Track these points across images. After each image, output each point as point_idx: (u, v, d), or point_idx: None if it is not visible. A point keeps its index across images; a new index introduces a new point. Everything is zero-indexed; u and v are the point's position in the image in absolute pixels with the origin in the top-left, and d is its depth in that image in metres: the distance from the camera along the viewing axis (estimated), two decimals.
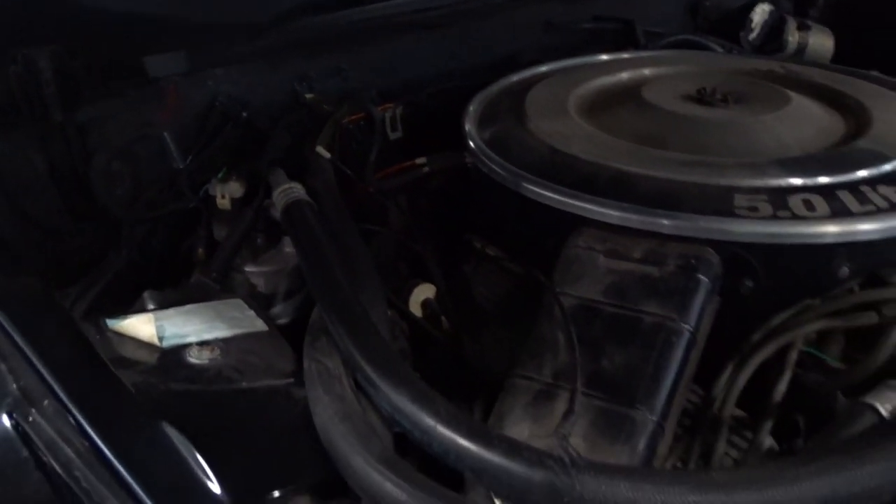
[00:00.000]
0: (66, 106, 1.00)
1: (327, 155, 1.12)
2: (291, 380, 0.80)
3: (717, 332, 0.82)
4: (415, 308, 1.08)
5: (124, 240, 1.09)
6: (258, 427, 0.75)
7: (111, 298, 1.03)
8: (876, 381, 0.76)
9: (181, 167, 1.13)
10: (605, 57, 1.30)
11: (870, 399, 0.69)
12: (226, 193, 1.11)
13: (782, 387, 0.81)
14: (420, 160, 1.16)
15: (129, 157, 1.08)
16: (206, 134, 1.17)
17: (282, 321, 1.05)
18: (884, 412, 0.67)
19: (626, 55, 1.32)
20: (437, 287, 1.07)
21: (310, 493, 0.74)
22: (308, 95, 1.27)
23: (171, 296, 0.96)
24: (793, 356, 0.82)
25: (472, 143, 1.07)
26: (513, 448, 0.62)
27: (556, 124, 1.06)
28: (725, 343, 0.83)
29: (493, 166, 1.00)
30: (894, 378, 0.74)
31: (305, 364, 0.78)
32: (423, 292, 1.09)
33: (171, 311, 0.91)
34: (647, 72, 1.22)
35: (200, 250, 1.12)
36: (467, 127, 1.11)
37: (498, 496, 0.64)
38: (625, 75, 1.21)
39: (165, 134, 1.11)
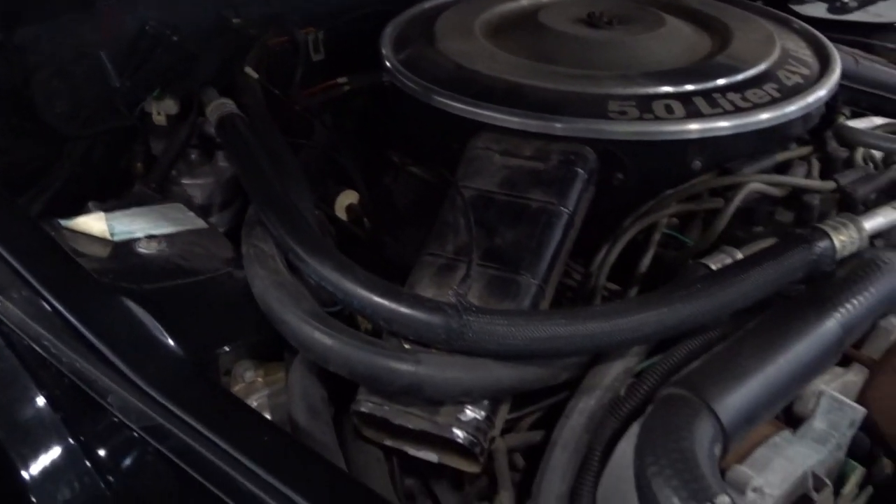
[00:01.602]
0: (5, 26, 1.07)
1: (255, 75, 1.21)
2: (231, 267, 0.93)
3: (594, 219, 0.98)
4: (340, 212, 1.21)
5: (66, 155, 1.17)
6: (207, 303, 0.88)
7: (56, 211, 1.12)
8: None
9: (118, 86, 1.21)
10: None
11: (705, 260, 0.87)
12: (161, 111, 1.20)
13: (646, 261, 0.98)
14: (341, 79, 1.27)
15: (68, 75, 1.15)
16: (139, 55, 1.24)
17: (220, 230, 1.16)
18: (713, 267, 0.85)
19: None
20: (360, 193, 1.20)
21: (250, 356, 0.89)
22: (235, 20, 1.35)
23: (115, 205, 1.06)
24: (655, 236, 0.99)
25: (388, 63, 1.18)
26: (417, 300, 0.77)
27: (463, 45, 1.18)
28: (601, 228, 1.00)
29: (407, 82, 1.12)
30: (730, 246, 0.91)
31: (244, 249, 0.91)
32: (348, 198, 1.22)
33: (118, 213, 1.01)
34: None
35: (139, 164, 1.21)
36: (384, 49, 1.22)
37: (407, 341, 0.79)
38: (525, 2, 1.34)
39: (102, 54, 1.18)
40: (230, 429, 0.69)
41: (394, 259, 1.13)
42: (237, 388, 0.87)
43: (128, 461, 0.75)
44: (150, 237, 0.95)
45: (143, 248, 0.93)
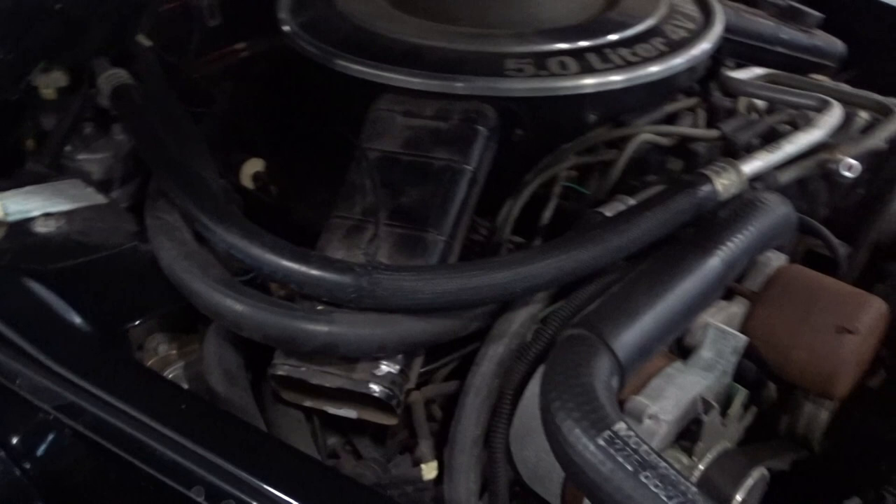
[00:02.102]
0: None
1: (148, 43, 1.18)
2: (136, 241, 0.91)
3: (497, 175, 1.01)
4: (246, 180, 1.20)
5: None
6: (113, 278, 0.86)
7: None
8: None
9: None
10: None
11: (600, 209, 0.91)
12: (49, 84, 1.15)
13: (548, 213, 1.02)
14: (240, 45, 1.25)
15: None
16: (19, 26, 1.18)
17: (121, 206, 1.13)
18: (608, 214, 0.90)
19: None
20: (266, 160, 1.19)
21: (163, 330, 0.88)
22: None
23: (7, 185, 1.02)
24: (556, 189, 1.03)
25: (286, 27, 1.17)
26: (326, 262, 0.79)
27: (362, 6, 1.18)
28: (504, 183, 1.03)
29: (306, 46, 1.11)
30: (625, 195, 0.97)
31: (148, 221, 0.90)
32: (253, 166, 1.21)
33: (11, 192, 0.98)
34: None
35: (29, 141, 1.16)
36: (281, 12, 1.20)
37: (319, 302, 0.80)
38: None
39: None
40: (146, 400, 0.70)
41: (303, 223, 1.14)
42: (151, 362, 0.87)
43: (43, 446, 0.75)
44: (48, 215, 0.93)
45: (40, 228, 0.90)
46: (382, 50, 1.06)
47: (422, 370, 0.89)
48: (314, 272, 0.78)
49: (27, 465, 0.73)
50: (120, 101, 1.05)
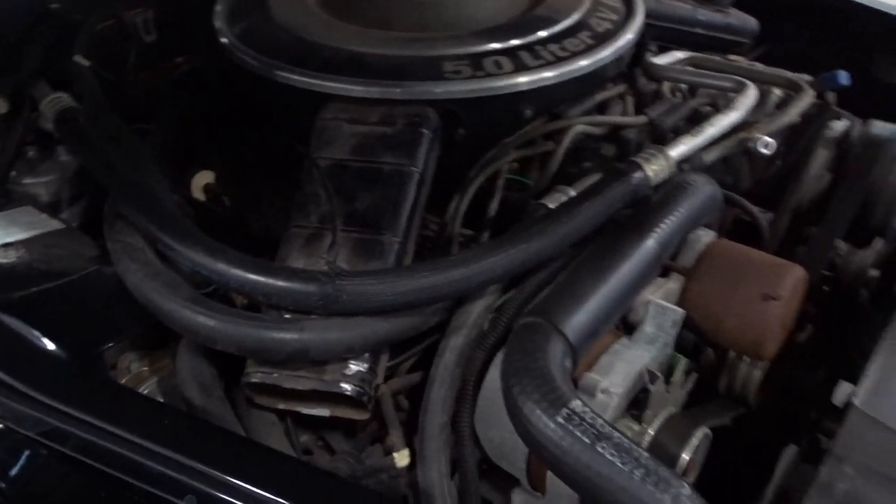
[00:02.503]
0: None
1: (86, 63, 1.19)
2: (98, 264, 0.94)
3: (443, 173, 1.06)
4: (197, 193, 1.23)
5: None
6: (81, 303, 0.89)
7: None
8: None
9: None
10: None
11: (543, 200, 0.97)
12: None
13: (494, 206, 1.08)
14: (179, 59, 1.27)
15: None
16: None
17: (72, 225, 1.14)
18: (551, 205, 0.96)
19: None
20: (216, 172, 1.22)
21: (135, 348, 0.91)
22: (53, 5, 1.30)
23: None
24: (499, 182, 1.09)
25: (224, 39, 1.19)
26: (291, 273, 0.83)
27: (299, 16, 1.21)
28: (451, 180, 1.08)
29: (247, 59, 1.14)
30: (564, 185, 1.03)
31: (109, 245, 0.92)
32: (203, 178, 1.23)
33: None
34: None
35: None
36: (218, 24, 1.22)
37: (287, 311, 0.84)
38: None
39: None
40: (129, 419, 0.73)
41: (259, 232, 1.17)
42: (125, 380, 0.90)
43: (19, 466, 0.77)
44: (6, 245, 0.94)
45: (0, 259, 0.92)
46: (324, 59, 1.09)
47: (388, 364, 0.94)
48: (280, 283, 0.82)
49: (2, 485, 0.76)
50: (66, 125, 1.06)
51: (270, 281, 0.82)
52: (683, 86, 1.31)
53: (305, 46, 1.13)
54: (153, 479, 0.69)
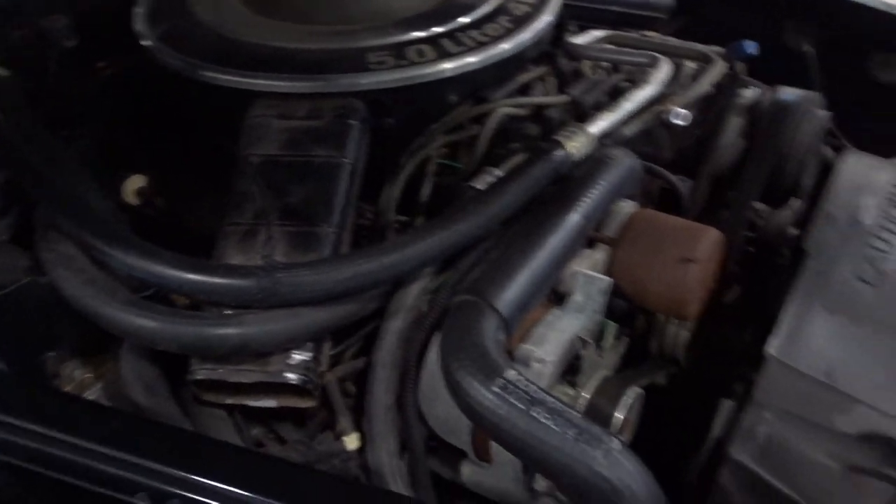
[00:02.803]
0: None
1: (5, 72, 1.17)
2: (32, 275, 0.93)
3: (375, 162, 1.08)
4: (130, 197, 1.22)
5: None
6: (18, 314, 0.89)
7: None
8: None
9: None
10: None
11: (472, 182, 1.01)
12: None
13: (426, 191, 1.11)
14: (101, 64, 1.25)
15: None
16: None
17: (2, 239, 1.13)
18: (479, 187, 0.99)
19: None
20: (148, 175, 1.21)
21: (76, 356, 0.92)
22: None
23: None
24: (430, 168, 1.12)
25: (146, 42, 1.18)
26: (229, 270, 0.85)
27: (220, 14, 1.21)
28: (383, 169, 1.11)
29: (171, 60, 1.14)
30: (493, 166, 1.06)
31: (42, 255, 0.92)
32: (135, 182, 1.23)
33: None
34: None
35: None
36: (138, 26, 1.21)
37: (228, 308, 0.86)
38: None
39: None
40: (76, 424, 0.74)
41: (195, 234, 1.18)
42: (69, 388, 0.90)
43: None
44: None
45: None
46: (248, 57, 1.10)
47: (332, 352, 0.97)
48: (218, 281, 0.83)
49: None
50: None
51: (208, 279, 0.83)
52: (604, 63, 1.36)
53: (229, 44, 1.13)
54: (105, 482, 0.70)
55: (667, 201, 1.28)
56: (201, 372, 0.87)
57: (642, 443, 0.98)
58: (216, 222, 1.00)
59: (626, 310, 1.05)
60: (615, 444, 0.70)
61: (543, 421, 0.71)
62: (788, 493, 0.81)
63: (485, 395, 0.73)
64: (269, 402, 0.92)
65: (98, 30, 1.30)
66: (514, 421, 0.72)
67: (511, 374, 0.74)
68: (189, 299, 0.92)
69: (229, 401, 0.91)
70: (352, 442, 0.94)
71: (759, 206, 1.33)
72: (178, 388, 0.92)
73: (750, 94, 1.27)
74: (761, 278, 1.31)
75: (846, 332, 0.88)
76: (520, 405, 0.72)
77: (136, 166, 1.23)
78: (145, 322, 0.82)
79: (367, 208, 1.12)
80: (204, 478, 0.70)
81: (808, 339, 0.87)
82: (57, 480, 0.71)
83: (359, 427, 0.95)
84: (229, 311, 0.86)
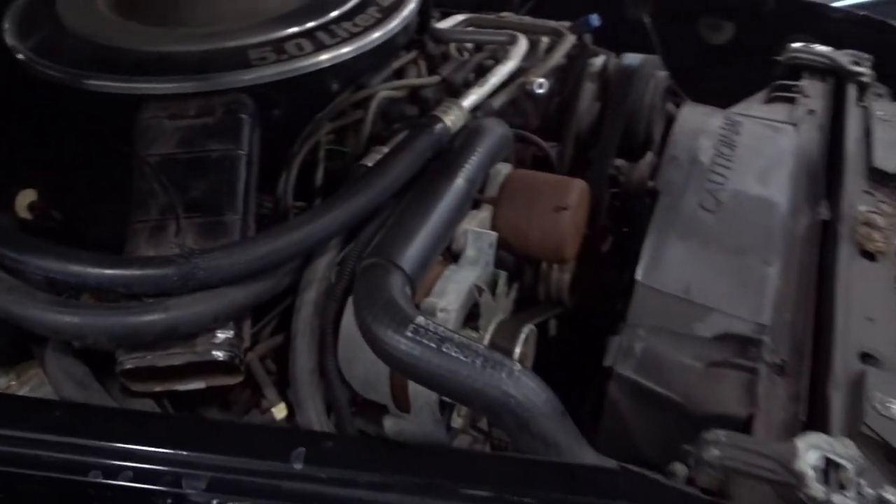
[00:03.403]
0: None
1: None
2: None
3: (268, 152, 1.15)
4: (23, 212, 1.23)
5: None
6: None
7: None
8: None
9: None
10: None
11: (363, 161, 1.10)
12: None
13: (319, 176, 1.19)
14: None
15: None
16: None
17: None
18: (370, 164, 1.08)
19: None
20: (39, 188, 1.22)
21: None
22: None
23: None
24: (321, 154, 1.20)
25: (20, 55, 1.19)
26: (146, 261, 0.90)
27: (94, 22, 1.23)
28: (276, 158, 1.17)
29: (51, 71, 1.15)
30: (379, 145, 1.16)
31: None
32: (27, 197, 1.24)
33: None
34: None
35: None
36: (9, 40, 1.22)
37: (148, 297, 0.91)
38: None
39: None
40: (18, 419, 0.78)
41: (96, 242, 1.20)
42: None
43: None
44: None
45: None
46: (133, 62, 1.13)
47: (252, 332, 1.04)
48: (138, 272, 0.88)
49: None
50: None
51: (128, 272, 0.88)
52: (468, 44, 1.48)
53: (109, 51, 1.16)
54: (56, 467, 0.75)
55: (539, 165, 1.42)
56: (130, 361, 0.91)
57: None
58: (119, 226, 1.04)
59: (514, 263, 1.17)
60: (517, 366, 0.82)
61: (454, 355, 0.81)
62: (665, 393, 0.95)
63: (400, 340, 0.83)
64: (199, 384, 0.97)
65: None
66: (428, 359, 0.82)
67: (420, 319, 0.84)
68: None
69: (158, 388, 0.96)
70: (280, 412, 1.01)
71: (620, 162, 1.49)
72: (105, 382, 0.96)
73: (599, 61, 1.43)
74: (629, 225, 1.47)
75: (696, 254, 1.04)
76: (432, 344, 0.82)
77: (27, 181, 1.24)
78: (72, 318, 0.86)
79: (265, 198, 1.19)
80: (151, 447, 0.76)
81: (667, 264, 1.03)
82: (10, 474, 0.75)
83: (284, 398, 1.02)
84: (151, 300, 0.91)
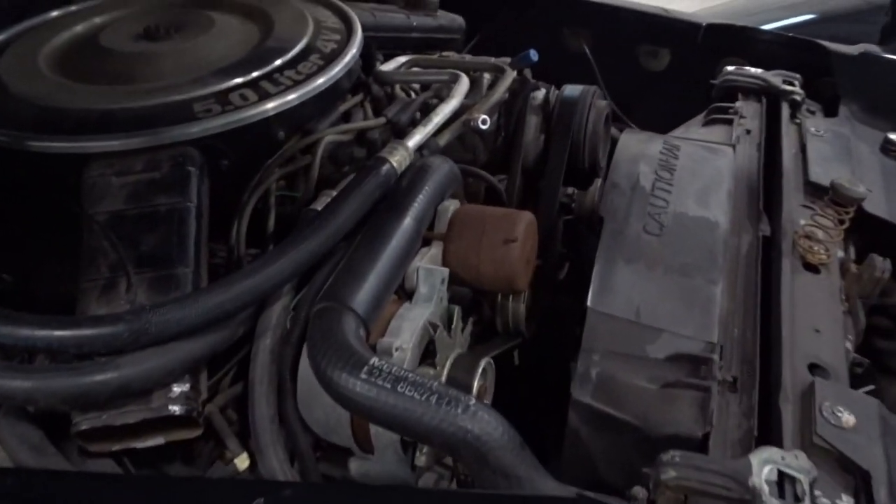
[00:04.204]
0: None
1: None
2: None
3: (218, 202, 1.16)
4: None
5: None
6: None
7: None
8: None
9: None
10: (55, 13, 1.47)
11: (313, 205, 1.11)
12: None
13: (271, 222, 1.19)
14: None
15: None
16: None
17: None
18: (319, 208, 1.10)
19: (73, 7, 1.50)
20: None
21: None
22: None
23: None
24: (271, 201, 1.20)
25: None
26: (96, 320, 0.90)
27: (36, 84, 1.24)
28: (227, 208, 1.18)
29: None
30: (329, 189, 1.17)
31: None
32: None
33: None
34: (99, 20, 1.43)
35: None
36: None
37: (101, 356, 0.91)
38: (80, 27, 1.41)
39: None
40: None
41: (48, 302, 1.19)
42: None
43: None
44: None
45: None
46: (76, 122, 1.13)
47: (209, 383, 1.03)
48: (88, 332, 0.88)
49: None
50: None
51: (78, 332, 0.87)
52: (414, 84, 1.51)
53: (52, 112, 1.16)
54: None
55: (490, 199, 1.44)
56: (85, 423, 0.90)
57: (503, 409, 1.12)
58: (70, 284, 1.04)
59: (470, 296, 1.19)
60: (472, 401, 0.83)
61: (409, 394, 0.82)
62: (622, 416, 0.96)
63: (355, 383, 0.83)
64: (157, 440, 0.96)
65: None
66: (384, 399, 0.82)
67: (374, 360, 0.85)
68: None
69: (117, 447, 0.95)
70: (242, 462, 1.00)
71: (571, 190, 1.52)
72: (62, 445, 0.95)
73: (541, 94, 1.47)
74: (583, 251, 1.50)
75: (643, 277, 1.06)
76: (387, 385, 0.83)
77: None
78: (21, 382, 0.85)
79: (218, 247, 1.19)
80: None
81: (616, 288, 1.05)
82: None
83: (247, 448, 1.01)
84: (102, 359, 0.90)
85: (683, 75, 1.86)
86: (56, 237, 1.15)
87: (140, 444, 0.96)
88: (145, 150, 1.12)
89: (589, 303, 1.04)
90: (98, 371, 0.88)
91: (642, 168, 1.21)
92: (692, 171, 1.22)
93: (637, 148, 1.26)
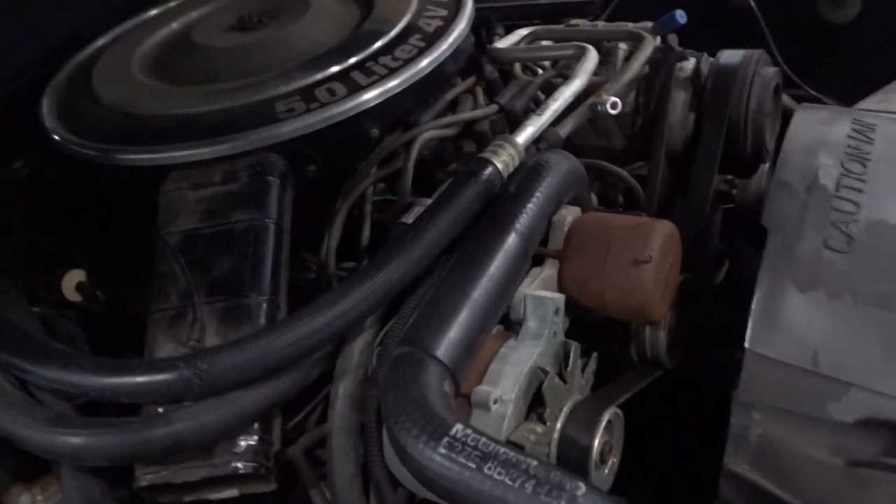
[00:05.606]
0: None
1: None
2: None
3: (308, 211, 1.02)
4: (70, 294, 1.17)
5: None
6: None
7: None
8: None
9: None
10: (153, 11, 1.39)
11: (403, 217, 0.95)
12: None
13: (366, 233, 1.04)
14: (17, 164, 1.21)
15: None
16: None
17: None
18: (409, 221, 0.93)
19: (172, 3, 1.42)
20: (86, 269, 1.16)
21: (18, 480, 0.86)
22: None
23: None
24: (367, 208, 1.05)
25: (54, 135, 1.13)
26: (147, 366, 0.79)
27: (125, 90, 1.16)
28: (319, 216, 1.05)
29: (82, 149, 1.07)
30: (423, 197, 1.00)
31: None
32: (74, 278, 1.17)
33: None
34: (194, 14, 1.34)
35: None
36: (46, 119, 1.16)
37: (158, 405, 0.80)
38: (175, 24, 1.32)
39: None
40: None
41: (138, 322, 1.12)
42: None
43: None
44: None
45: None
46: (153, 130, 1.04)
47: (291, 424, 0.91)
48: (138, 380, 0.77)
49: None
50: None
51: (127, 380, 0.77)
52: (543, 62, 1.30)
53: (134, 121, 1.08)
54: None
55: (628, 199, 1.22)
56: (145, 478, 0.81)
57: (638, 456, 0.91)
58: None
59: (606, 319, 0.98)
60: (580, 490, 0.63)
61: (497, 477, 0.64)
62: (789, 499, 0.73)
63: (431, 457, 0.67)
64: (231, 492, 0.86)
65: (6, 129, 1.26)
66: (466, 483, 0.65)
67: (457, 429, 0.68)
68: None
69: (189, 498, 0.86)
70: None
71: (729, 178, 1.27)
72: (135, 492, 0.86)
73: (690, 65, 1.21)
74: (744, 257, 1.25)
75: (824, 309, 0.80)
76: (470, 464, 0.65)
77: (73, 261, 1.18)
78: (66, 439, 0.76)
79: (311, 259, 1.06)
80: None
81: (784, 324, 0.80)
82: None
83: None
84: (161, 409, 0.80)
85: (879, 27, 1.50)
86: (139, 255, 1.08)
87: (213, 496, 0.86)
88: (224, 159, 1.00)
89: (747, 343, 0.80)
90: (146, 428, 0.77)
91: (822, 160, 0.93)
92: (895, 161, 0.92)
93: (815, 132, 0.98)
